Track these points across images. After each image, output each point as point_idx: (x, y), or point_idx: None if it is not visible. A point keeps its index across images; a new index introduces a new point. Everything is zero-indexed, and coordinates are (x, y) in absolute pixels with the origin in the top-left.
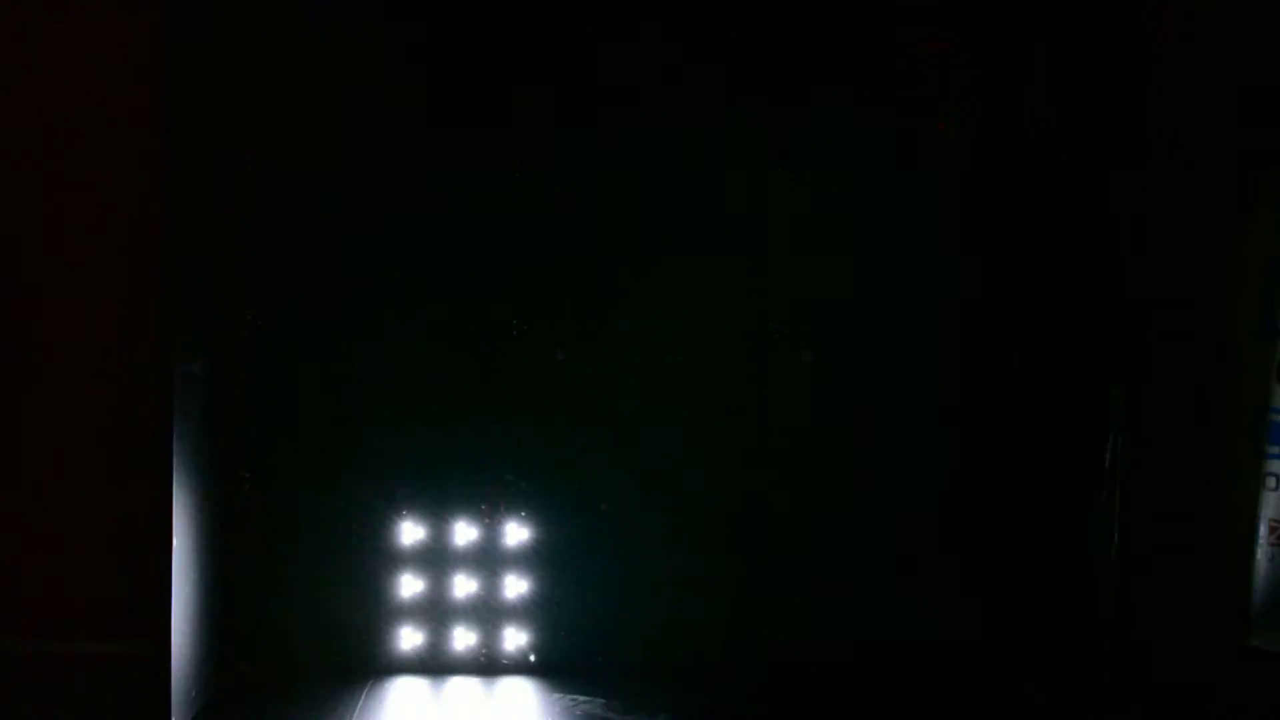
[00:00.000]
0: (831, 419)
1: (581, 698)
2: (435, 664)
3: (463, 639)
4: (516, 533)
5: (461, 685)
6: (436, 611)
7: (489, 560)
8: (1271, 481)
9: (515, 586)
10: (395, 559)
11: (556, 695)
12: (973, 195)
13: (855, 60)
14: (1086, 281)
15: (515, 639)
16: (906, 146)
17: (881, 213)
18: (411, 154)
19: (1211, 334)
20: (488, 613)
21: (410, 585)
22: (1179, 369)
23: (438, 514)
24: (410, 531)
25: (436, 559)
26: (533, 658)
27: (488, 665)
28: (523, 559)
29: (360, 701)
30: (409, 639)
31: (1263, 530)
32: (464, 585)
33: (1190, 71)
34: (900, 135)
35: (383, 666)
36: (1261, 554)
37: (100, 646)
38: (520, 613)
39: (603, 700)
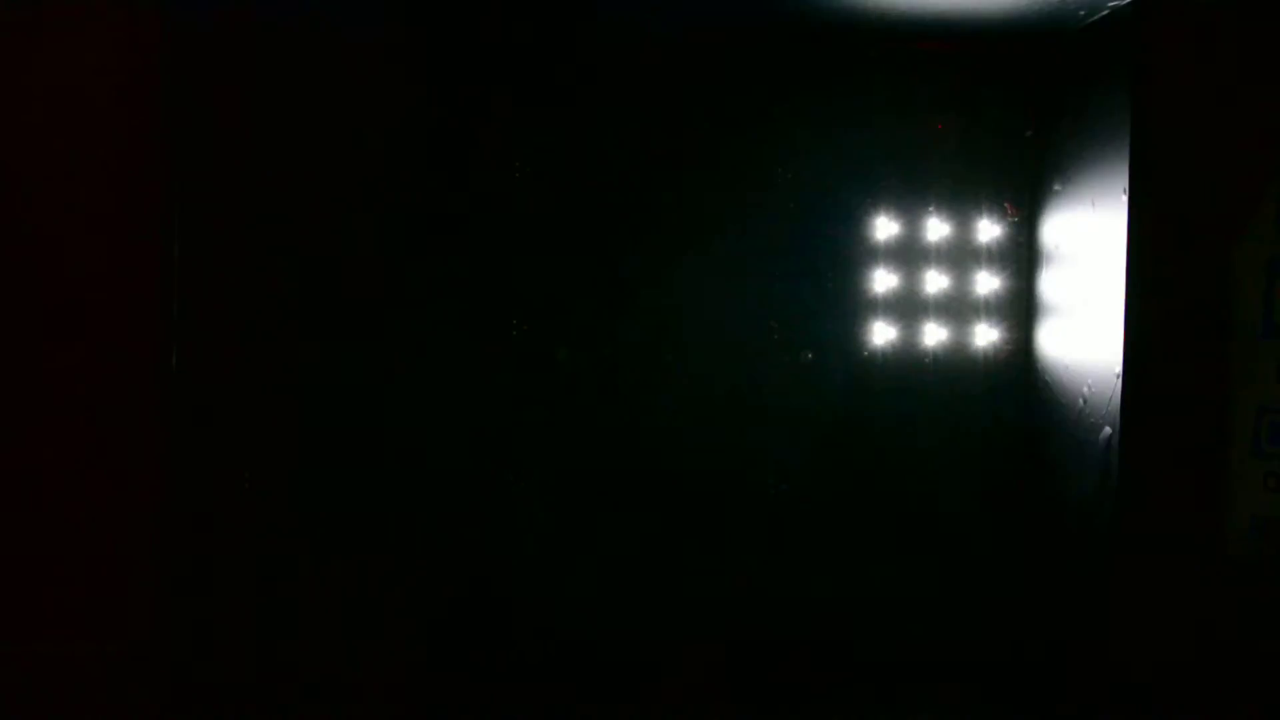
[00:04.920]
0: None
1: None
2: None
3: None
4: None
5: None
6: None
7: None
8: (1272, 481)
9: None
10: None
11: None
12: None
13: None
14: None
15: None
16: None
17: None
18: (414, 153)
19: (1211, 334)
20: None
21: None
22: (1179, 369)
23: None
24: None
25: None
26: None
27: None
28: None
29: None
30: None
31: None
32: None
33: (1190, 69)
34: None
35: None
36: None
37: (99, 646)
38: None
39: None
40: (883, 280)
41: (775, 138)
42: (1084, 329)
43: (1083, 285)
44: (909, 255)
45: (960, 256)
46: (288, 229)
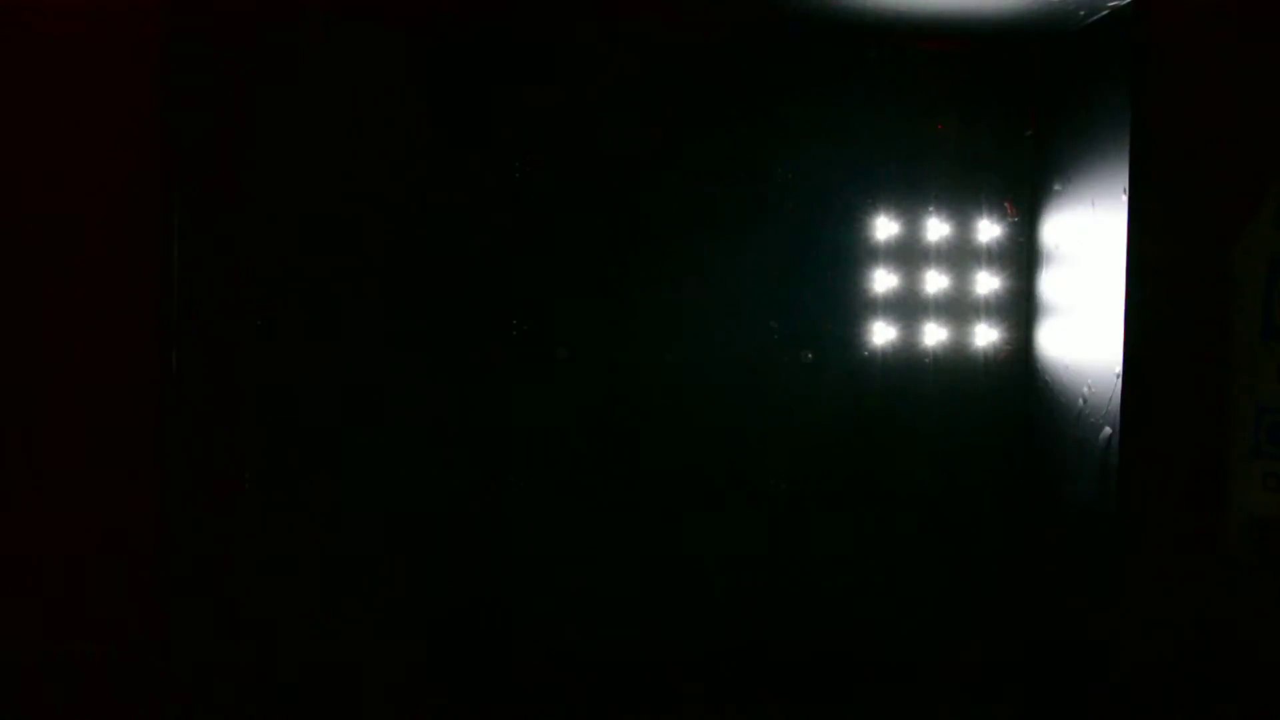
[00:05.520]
0: None
1: None
2: None
3: None
4: None
5: None
6: None
7: None
8: (1271, 481)
9: None
10: None
11: None
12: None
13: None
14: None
15: None
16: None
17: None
18: (414, 156)
19: (1211, 334)
20: None
21: None
22: (1179, 369)
23: None
24: None
25: None
26: None
27: None
28: None
29: None
30: None
31: None
32: None
33: (1190, 69)
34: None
35: None
36: None
37: (99, 646)
38: None
39: None
40: (883, 280)
41: (775, 137)
42: (1084, 329)
43: (1083, 285)
44: (909, 255)
45: (960, 256)
46: (287, 229)
